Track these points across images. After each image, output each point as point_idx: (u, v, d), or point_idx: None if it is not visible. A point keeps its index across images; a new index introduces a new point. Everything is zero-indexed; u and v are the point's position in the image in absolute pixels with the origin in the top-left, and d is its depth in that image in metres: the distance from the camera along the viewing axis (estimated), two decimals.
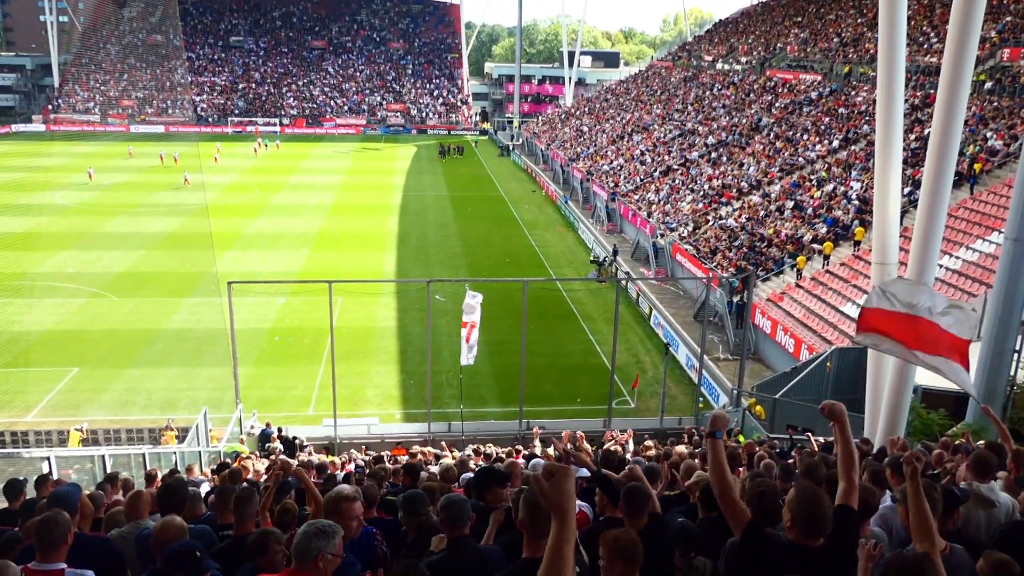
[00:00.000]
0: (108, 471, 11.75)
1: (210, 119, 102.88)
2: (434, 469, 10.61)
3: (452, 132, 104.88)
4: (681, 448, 13.29)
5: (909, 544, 4.45)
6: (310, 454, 16.69)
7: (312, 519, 4.57)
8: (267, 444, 17.35)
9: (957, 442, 10.54)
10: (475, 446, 16.44)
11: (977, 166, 30.11)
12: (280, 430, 19.06)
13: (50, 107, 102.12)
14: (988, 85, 35.86)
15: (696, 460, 10.06)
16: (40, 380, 26.06)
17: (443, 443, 18.73)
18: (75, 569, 4.68)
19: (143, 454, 14.39)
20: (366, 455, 15.59)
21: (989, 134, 32.18)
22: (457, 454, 14.98)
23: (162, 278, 37.29)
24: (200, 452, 16.99)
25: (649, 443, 15.03)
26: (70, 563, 4.69)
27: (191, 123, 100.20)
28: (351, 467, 12.72)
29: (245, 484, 7.66)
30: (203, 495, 7.67)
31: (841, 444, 4.58)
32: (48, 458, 10.55)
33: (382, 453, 14.42)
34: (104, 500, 7.18)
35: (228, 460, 14.87)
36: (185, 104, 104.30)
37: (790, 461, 9.89)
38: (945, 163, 11.87)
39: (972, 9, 11.18)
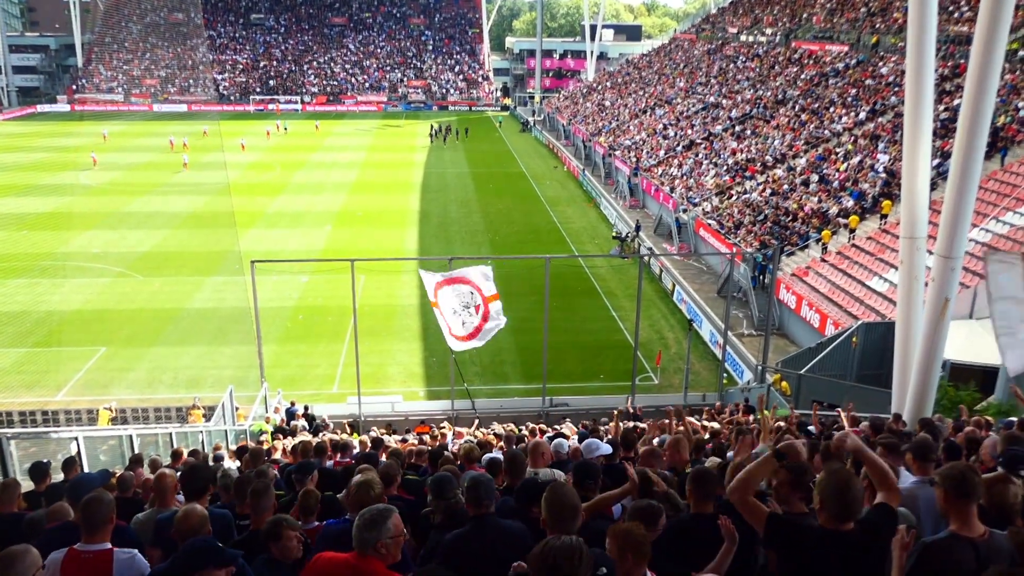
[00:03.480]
0: (135, 451, 11.87)
1: (232, 97, 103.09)
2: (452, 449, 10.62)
3: (473, 108, 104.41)
4: (715, 424, 13.22)
5: (942, 528, 4.36)
6: (334, 431, 16.75)
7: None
8: (291, 422, 17.46)
9: (985, 419, 10.39)
10: (491, 428, 16.38)
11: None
12: (306, 408, 19.19)
13: (74, 87, 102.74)
14: (1021, 54, 35.00)
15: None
16: (69, 359, 26.42)
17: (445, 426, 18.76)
18: (123, 548, 4.69)
19: (170, 433, 14.52)
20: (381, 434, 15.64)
21: (1021, 104, 31.47)
22: (478, 433, 15.00)
23: (186, 257, 37.58)
24: (226, 431, 17.13)
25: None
26: None
27: (213, 102, 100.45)
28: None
29: (263, 468, 7.65)
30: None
31: (871, 469, 4.50)
32: (76, 438, 10.65)
33: (381, 435, 14.42)
34: (134, 482, 7.23)
35: (255, 440, 14.99)
36: (207, 83, 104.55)
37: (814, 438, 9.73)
38: (976, 134, 11.57)
39: None
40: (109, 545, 4.63)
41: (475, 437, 13.96)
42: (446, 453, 9.46)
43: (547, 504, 4.01)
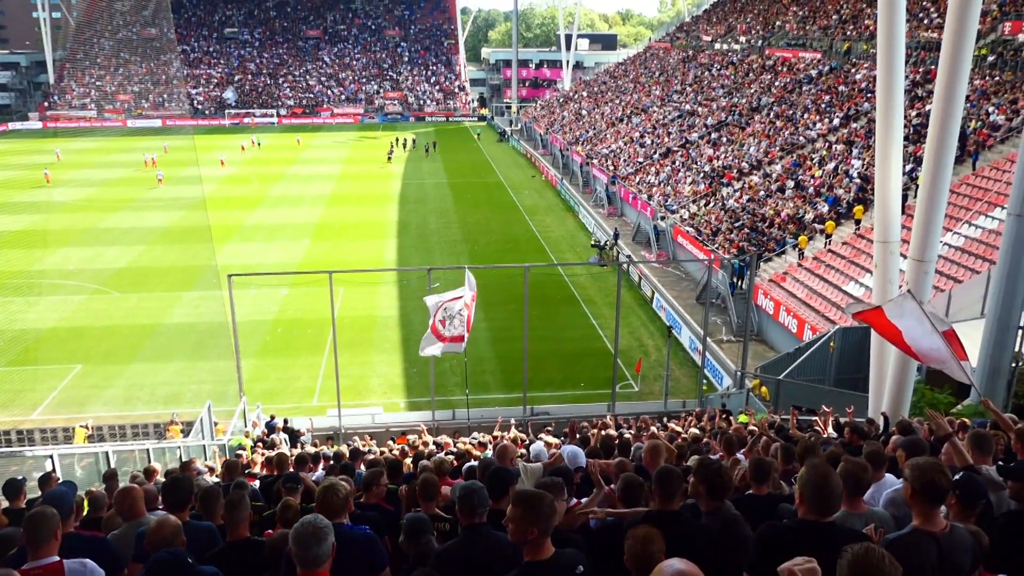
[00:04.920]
0: (112, 467, 11.72)
1: (207, 112, 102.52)
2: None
3: (450, 119, 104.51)
4: (694, 431, 13.26)
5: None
6: (315, 445, 16.65)
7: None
8: (271, 435, 17.34)
9: (960, 420, 10.50)
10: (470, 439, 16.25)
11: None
12: (285, 421, 19.06)
13: (46, 104, 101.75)
14: (990, 59, 35.58)
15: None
16: (44, 378, 26.09)
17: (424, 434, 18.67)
18: (73, 559, 4.59)
19: (147, 449, 14.37)
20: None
21: (991, 109, 31.96)
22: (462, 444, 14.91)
23: (163, 273, 37.26)
24: (205, 446, 16.98)
25: (654, 428, 14.98)
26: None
27: (188, 116, 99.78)
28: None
29: (240, 480, 7.60)
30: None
31: None
32: (51, 456, 10.53)
33: (357, 445, 14.34)
34: (106, 500, 7.14)
35: (233, 455, 14.86)
36: (181, 97, 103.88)
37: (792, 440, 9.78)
38: (947, 139, 11.75)
39: None
40: (57, 557, 4.54)
41: (456, 448, 13.91)
42: (423, 461, 9.44)
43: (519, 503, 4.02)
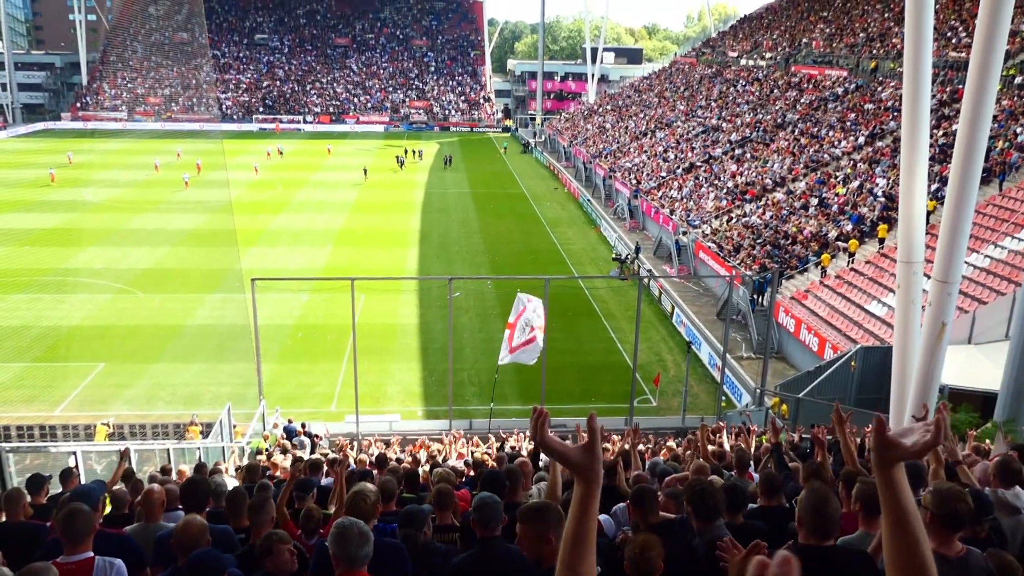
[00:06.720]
0: (133, 466, 11.86)
1: (235, 117, 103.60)
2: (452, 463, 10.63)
3: (475, 129, 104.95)
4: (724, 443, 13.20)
5: None
6: (330, 448, 16.74)
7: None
8: (290, 439, 17.46)
9: (983, 443, 10.40)
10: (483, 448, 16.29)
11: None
12: (303, 426, 19.18)
13: (78, 105, 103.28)
14: (1018, 80, 35.29)
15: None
16: (68, 375, 26.42)
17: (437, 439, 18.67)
18: (104, 557, 4.68)
19: (167, 449, 14.52)
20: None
21: (1019, 129, 31.67)
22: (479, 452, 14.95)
23: (187, 274, 37.63)
24: (224, 448, 17.12)
25: (671, 443, 14.95)
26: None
27: (216, 120, 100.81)
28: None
29: (264, 483, 7.67)
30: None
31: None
32: (75, 453, 10.67)
33: (384, 452, 14.41)
34: (128, 499, 7.25)
35: (259, 459, 14.99)
36: (211, 102, 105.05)
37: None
38: (973, 159, 11.66)
39: (1001, 2, 10.98)
40: (91, 554, 4.65)
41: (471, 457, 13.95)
42: (438, 469, 9.50)
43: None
